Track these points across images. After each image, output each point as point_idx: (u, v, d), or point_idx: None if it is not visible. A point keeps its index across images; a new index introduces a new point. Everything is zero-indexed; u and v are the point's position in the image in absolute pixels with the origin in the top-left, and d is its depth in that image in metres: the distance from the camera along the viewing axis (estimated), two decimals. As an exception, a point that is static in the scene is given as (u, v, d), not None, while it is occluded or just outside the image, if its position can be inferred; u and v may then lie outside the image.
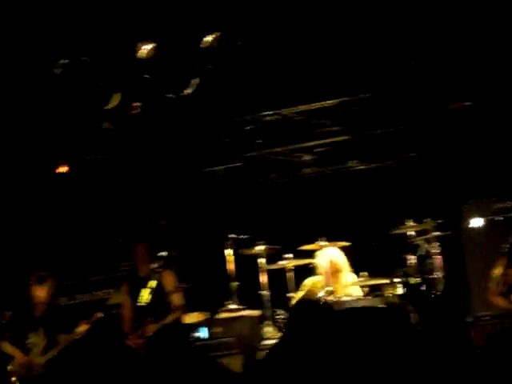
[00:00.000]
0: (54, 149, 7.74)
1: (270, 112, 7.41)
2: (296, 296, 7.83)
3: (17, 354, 7.13)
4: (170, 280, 7.62)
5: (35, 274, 7.42)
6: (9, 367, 7.09)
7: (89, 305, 8.97)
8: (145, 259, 7.68)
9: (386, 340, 1.79)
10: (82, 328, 7.10)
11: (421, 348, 1.76)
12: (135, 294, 7.57)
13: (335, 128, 8.05)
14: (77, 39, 5.65)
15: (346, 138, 8.21)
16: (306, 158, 8.51)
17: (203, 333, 5.41)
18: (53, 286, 7.44)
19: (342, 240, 8.11)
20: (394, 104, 7.61)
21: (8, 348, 7.17)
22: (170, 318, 7.39)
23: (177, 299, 7.54)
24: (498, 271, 6.88)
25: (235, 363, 7.07)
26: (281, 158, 8.53)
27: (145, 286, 7.51)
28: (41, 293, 7.34)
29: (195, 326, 7.28)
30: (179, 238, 9.45)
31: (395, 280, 7.41)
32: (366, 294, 7.52)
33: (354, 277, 7.92)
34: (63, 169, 8.18)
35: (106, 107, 5.99)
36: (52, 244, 9.26)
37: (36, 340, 7.23)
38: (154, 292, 7.67)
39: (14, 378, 6.94)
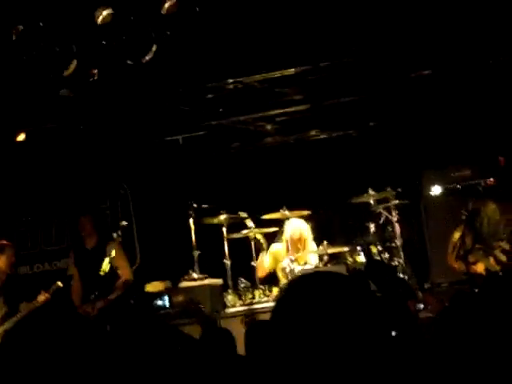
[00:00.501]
0: (12, 117, 7.61)
1: (232, 80, 7.35)
2: (258, 263, 7.88)
3: None
4: (119, 254, 7.58)
5: None
6: None
7: (48, 274, 8.92)
8: (90, 231, 7.75)
9: (347, 305, 1.78)
10: (43, 297, 7.08)
11: (380, 314, 1.76)
12: (82, 265, 7.65)
13: (297, 97, 8.02)
14: (35, 4, 5.54)
15: (308, 106, 8.19)
16: (268, 127, 8.49)
17: (164, 301, 5.40)
18: (12, 256, 7.37)
19: (303, 209, 8.15)
20: (354, 72, 7.60)
21: None
22: (114, 295, 7.45)
23: (125, 274, 7.60)
24: (456, 237, 7.00)
25: (196, 332, 7.10)
26: (243, 127, 8.49)
27: (91, 257, 7.52)
28: (1, 261, 7.27)
29: (157, 295, 7.27)
30: (141, 208, 9.40)
31: (357, 248, 7.48)
32: (326, 263, 7.59)
33: (314, 246, 7.99)
34: (21, 137, 8.06)
35: (65, 74, 5.89)
36: (11, 213, 9.16)
37: None
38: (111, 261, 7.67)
39: None
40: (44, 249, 9.57)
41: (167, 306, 6.34)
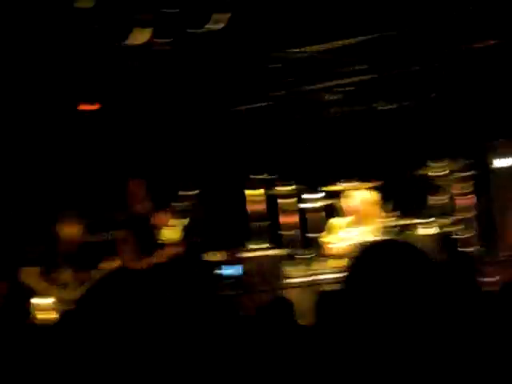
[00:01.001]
0: (79, 87, 7.69)
1: (296, 50, 7.28)
2: (324, 238, 7.84)
3: (48, 289, 7.23)
4: (163, 219, 7.53)
5: (65, 212, 7.48)
6: (46, 302, 7.19)
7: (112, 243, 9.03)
8: (141, 197, 7.51)
9: (418, 275, 1.75)
10: (110, 264, 7.18)
11: (448, 286, 1.73)
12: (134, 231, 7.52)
13: (362, 67, 7.91)
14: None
15: (372, 77, 8.08)
16: (333, 97, 8.40)
17: (234, 270, 5.44)
18: (81, 224, 7.49)
19: (368, 181, 8.07)
20: (420, 42, 7.46)
21: (38, 283, 7.26)
22: (162, 259, 7.32)
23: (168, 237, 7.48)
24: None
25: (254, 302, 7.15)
26: (307, 98, 8.42)
27: (142, 224, 7.47)
28: (70, 230, 7.40)
29: (218, 264, 7.31)
30: (204, 178, 9.45)
31: (428, 220, 7.37)
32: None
33: (379, 219, 7.91)
34: (87, 107, 8.16)
35: (132, 44, 5.91)
36: (80, 182, 9.28)
37: (66, 276, 7.31)
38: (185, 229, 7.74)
39: (53, 314, 7.02)
40: (109, 218, 9.69)
41: (236, 274, 6.38)
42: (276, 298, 4.52)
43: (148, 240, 7.31)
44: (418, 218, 7.56)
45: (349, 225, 7.86)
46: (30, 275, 7.31)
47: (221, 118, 8.98)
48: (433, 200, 7.54)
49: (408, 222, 7.59)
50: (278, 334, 3.64)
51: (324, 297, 4.13)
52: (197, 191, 8.52)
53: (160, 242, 7.25)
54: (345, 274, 1.80)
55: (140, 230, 7.45)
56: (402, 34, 7.25)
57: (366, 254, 1.82)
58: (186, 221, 7.68)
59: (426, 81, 8.22)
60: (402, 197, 8.63)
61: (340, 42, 7.14)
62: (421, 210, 8.04)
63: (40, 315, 7.01)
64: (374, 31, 7.24)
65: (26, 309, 6.99)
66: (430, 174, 7.77)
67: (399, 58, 7.80)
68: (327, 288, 6.78)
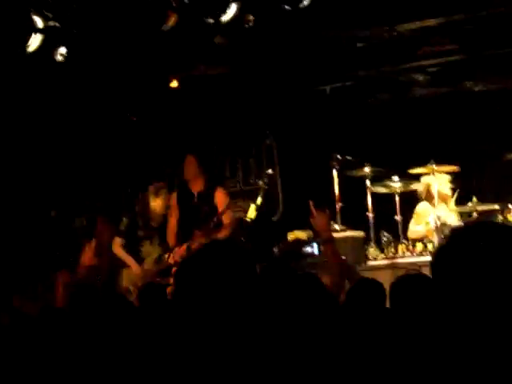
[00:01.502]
0: (166, 64, 7.75)
1: (384, 28, 7.16)
2: (412, 228, 7.74)
3: (130, 261, 7.37)
4: (222, 197, 7.44)
5: (152, 185, 7.58)
6: (124, 275, 7.33)
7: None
8: (195, 173, 7.40)
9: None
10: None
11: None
12: (185, 208, 7.43)
13: (450, 47, 7.73)
14: None
15: (461, 57, 7.88)
16: (420, 77, 8.24)
17: (314, 248, 5.40)
18: (168, 198, 7.58)
19: (452, 164, 7.92)
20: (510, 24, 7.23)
21: (122, 254, 7.40)
22: (221, 234, 7.23)
23: (228, 217, 7.38)
24: None
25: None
26: (393, 78, 8.28)
27: (197, 201, 7.40)
28: (157, 203, 7.50)
29: (305, 242, 7.28)
30: (286, 157, 9.43)
31: (508, 206, 7.20)
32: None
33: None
34: (174, 84, 8.22)
35: (222, 20, 5.91)
36: (168, 156, 9.37)
37: (150, 249, 7.43)
38: (258, 209, 7.73)
39: (131, 287, 7.16)
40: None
41: (316, 253, 6.34)
42: (364, 279, 4.45)
43: (193, 217, 7.31)
44: (499, 203, 7.39)
45: (431, 208, 7.75)
46: (117, 246, 7.45)
47: (304, 96, 8.92)
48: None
49: (488, 207, 7.44)
50: (369, 317, 3.59)
51: (401, 281, 4.05)
52: (270, 171, 8.51)
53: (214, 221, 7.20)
54: (430, 257, 1.74)
55: (188, 207, 7.41)
56: (493, 15, 7.03)
57: (457, 237, 1.75)
58: (259, 199, 7.68)
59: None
60: (485, 181, 8.43)
61: (430, 21, 6.97)
62: (504, 196, 7.85)
63: (129, 285, 7.15)
64: (466, 11, 7.05)
65: (117, 278, 7.13)
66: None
67: (490, 39, 7.58)
68: (409, 272, 6.70)
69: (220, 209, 7.31)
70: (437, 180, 7.70)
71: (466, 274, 1.66)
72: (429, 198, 7.79)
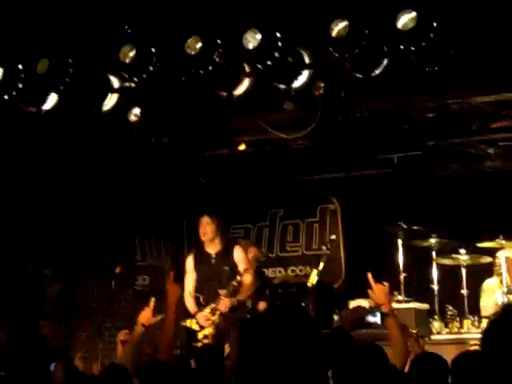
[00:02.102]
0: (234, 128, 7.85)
1: (457, 100, 7.10)
2: (483, 304, 7.55)
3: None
4: (241, 255, 7.28)
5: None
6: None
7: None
8: (213, 234, 7.26)
9: None
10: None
11: None
12: (203, 270, 7.28)
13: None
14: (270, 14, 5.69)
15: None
16: (490, 150, 8.13)
17: (376, 318, 5.29)
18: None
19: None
20: None
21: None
22: (241, 296, 7.09)
23: (249, 279, 7.21)
24: None
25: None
26: (462, 149, 8.19)
27: (215, 263, 7.25)
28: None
29: (369, 311, 7.15)
30: (350, 223, 9.37)
31: None
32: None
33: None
34: (242, 147, 8.33)
35: (294, 87, 5.97)
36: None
37: None
38: (319, 274, 7.68)
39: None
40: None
41: (378, 323, 6.21)
42: (428, 354, 4.33)
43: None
44: None
45: (497, 284, 7.55)
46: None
47: (371, 163, 8.90)
48: None
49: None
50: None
51: (461, 357, 3.92)
52: (333, 237, 8.45)
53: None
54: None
55: (206, 268, 7.26)
56: None
57: (505, 315, 1.70)
58: (321, 265, 7.61)
59: None
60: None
61: (505, 95, 6.87)
62: None
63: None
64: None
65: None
66: None
67: None
68: (472, 348, 6.49)
69: (240, 267, 7.19)
70: (508, 258, 7.52)
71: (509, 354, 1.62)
72: (499, 273, 7.60)
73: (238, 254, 7.30)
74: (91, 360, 6.63)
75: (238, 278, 7.08)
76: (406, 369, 4.22)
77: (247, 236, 9.78)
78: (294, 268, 9.54)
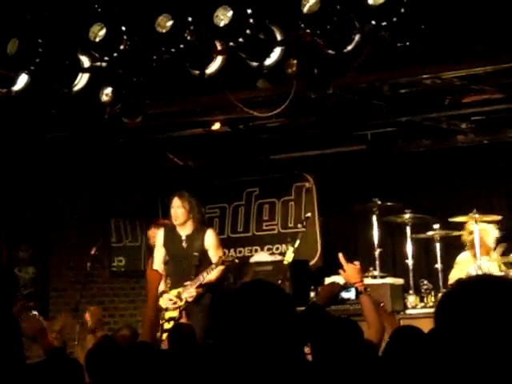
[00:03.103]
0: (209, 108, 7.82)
1: (428, 75, 7.12)
2: (453, 277, 7.62)
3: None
4: (214, 237, 7.22)
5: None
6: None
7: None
8: (185, 216, 7.10)
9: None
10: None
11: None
12: (173, 249, 7.17)
13: (495, 96, 7.65)
14: None
15: (506, 106, 7.79)
16: (462, 125, 8.18)
17: (351, 294, 5.32)
18: None
19: (494, 213, 7.81)
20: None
21: None
22: (210, 276, 6.98)
23: (217, 257, 7.10)
24: None
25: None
26: (435, 125, 8.23)
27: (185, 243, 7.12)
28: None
29: (343, 287, 7.18)
30: (325, 201, 9.41)
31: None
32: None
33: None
34: (216, 126, 8.31)
35: (266, 64, 5.94)
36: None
37: None
38: (295, 252, 7.71)
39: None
40: (231, 236, 9.84)
41: (353, 298, 6.25)
42: (406, 327, 4.37)
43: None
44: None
45: (472, 258, 7.63)
46: None
47: (345, 141, 8.92)
48: None
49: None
50: (410, 366, 3.51)
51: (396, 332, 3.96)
52: (309, 214, 8.47)
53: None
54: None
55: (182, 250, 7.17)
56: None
57: (456, 291, 1.74)
58: (297, 242, 7.64)
59: None
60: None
61: (475, 69, 6.91)
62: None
63: None
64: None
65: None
66: None
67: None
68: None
69: (211, 253, 7.08)
70: (481, 230, 7.59)
71: (463, 328, 1.64)
72: (472, 246, 7.68)
73: (210, 238, 7.17)
74: (68, 341, 6.62)
75: (205, 274, 7.02)
76: (383, 344, 4.27)
77: (223, 215, 9.80)
78: (270, 246, 9.57)
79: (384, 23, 5.42)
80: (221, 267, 7.08)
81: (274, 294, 2.24)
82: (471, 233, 7.62)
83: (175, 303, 6.97)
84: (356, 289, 4.79)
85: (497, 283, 1.72)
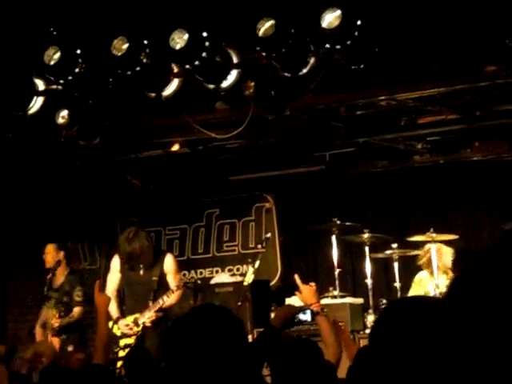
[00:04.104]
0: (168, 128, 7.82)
1: (384, 97, 7.21)
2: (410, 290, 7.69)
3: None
4: (173, 262, 7.29)
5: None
6: None
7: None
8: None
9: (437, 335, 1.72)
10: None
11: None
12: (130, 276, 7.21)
13: (451, 116, 7.78)
14: (198, 15, 5.69)
15: (461, 127, 7.92)
16: (418, 146, 8.29)
17: (307, 316, 5.32)
18: None
19: (452, 233, 7.91)
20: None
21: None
22: (168, 302, 7.01)
23: (176, 282, 7.18)
24: None
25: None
26: (392, 145, 8.33)
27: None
28: None
29: (300, 309, 7.20)
30: (286, 221, 9.43)
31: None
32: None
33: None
34: (175, 147, 8.31)
35: (223, 86, 5.98)
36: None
37: None
38: (256, 273, 7.71)
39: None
40: (191, 258, 9.80)
41: (309, 320, 6.27)
42: (364, 348, 4.39)
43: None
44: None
45: (429, 278, 7.71)
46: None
47: (304, 161, 8.97)
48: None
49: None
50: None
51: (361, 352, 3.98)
52: (269, 235, 8.51)
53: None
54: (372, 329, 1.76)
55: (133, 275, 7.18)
56: (495, 85, 7.08)
57: (389, 311, 1.79)
58: (257, 263, 7.64)
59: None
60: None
61: (430, 91, 7.02)
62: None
63: None
64: (467, 80, 7.10)
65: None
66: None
67: (490, 109, 7.63)
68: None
69: (169, 278, 7.09)
70: (439, 250, 7.69)
71: (392, 349, 1.68)
72: (429, 265, 7.75)
73: (169, 263, 7.18)
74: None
75: (165, 297, 6.98)
76: (348, 364, 4.27)
77: (184, 236, 9.76)
78: (231, 267, 9.56)
79: (338, 46, 5.51)
80: (180, 291, 7.06)
81: (223, 318, 2.25)
82: (428, 251, 7.70)
83: (131, 329, 6.92)
84: (311, 310, 4.81)
85: (425, 304, 1.76)
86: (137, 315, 6.98)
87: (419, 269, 8.00)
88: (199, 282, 7.63)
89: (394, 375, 1.66)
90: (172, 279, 7.10)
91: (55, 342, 7.26)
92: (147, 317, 6.90)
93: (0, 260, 8.90)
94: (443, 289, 7.38)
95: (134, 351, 5.68)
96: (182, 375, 2.13)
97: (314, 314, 4.64)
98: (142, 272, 7.16)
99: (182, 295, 7.22)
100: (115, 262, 7.33)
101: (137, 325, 6.94)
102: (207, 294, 8.46)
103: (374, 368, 1.71)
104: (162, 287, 7.07)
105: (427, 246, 7.71)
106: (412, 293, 7.76)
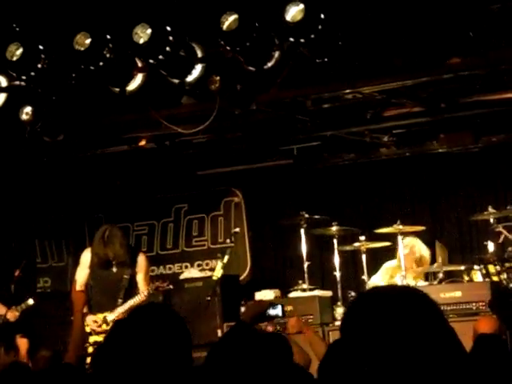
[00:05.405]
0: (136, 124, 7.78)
1: (350, 90, 7.24)
2: (374, 281, 7.75)
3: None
4: (145, 262, 7.26)
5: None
6: None
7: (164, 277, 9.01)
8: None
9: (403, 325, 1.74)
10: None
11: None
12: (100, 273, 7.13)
13: (416, 109, 7.83)
14: (161, 7, 5.66)
15: (426, 119, 7.99)
16: (384, 138, 8.35)
17: (278, 310, 5.34)
18: None
19: (418, 224, 7.97)
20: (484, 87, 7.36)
21: None
22: (136, 301, 6.97)
23: (146, 281, 7.15)
24: None
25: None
26: (358, 139, 8.38)
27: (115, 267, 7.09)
28: None
29: (270, 304, 7.22)
30: (254, 216, 9.44)
31: (474, 267, 7.23)
32: (441, 281, 7.37)
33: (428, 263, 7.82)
34: (143, 143, 8.27)
35: (188, 80, 5.96)
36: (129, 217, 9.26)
37: None
38: (225, 267, 7.71)
39: None
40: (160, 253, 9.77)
41: (280, 315, 6.28)
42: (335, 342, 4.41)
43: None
44: (465, 264, 7.46)
45: (397, 268, 7.77)
46: None
47: (271, 155, 8.99)
48: (484, 246, 7.37)
49: (454, 268, 7.49)
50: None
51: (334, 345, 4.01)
52: (237, 229, 8.51)
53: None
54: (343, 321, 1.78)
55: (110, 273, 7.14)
56: (461, 77, 7.14)
57: (358, 303, 1.80)
58: (226, 258, 7.65)
59: (484, 124, 8.11)
60: (451, 242, 8.48)
61: (395, 84, 7.06)
62: (470, 256, 7.91)
63: None
64: (431, 73, 7.15)
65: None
66: (482, 219, 7.63)
67: (455, 101, 7.70)
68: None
69: (139, 278, 7.08)
70: (406, 240, 7.75)
71: (360, 341, 1.70)
72: (399, 257, 7.81)
73: (141, 262, 7.17)
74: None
75: (137, 298, 6.98)
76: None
77: (152, 232, 9.73)
78: (200, 262, 9.55)
79: (302, 40, 5.52)
80: (145, 296, 7.04)
81: (164, 316, 2.27)
82: (413, 246, 7.79)
83: (100, 326, 6.87)
84: (282, 305, 4.85)
85: (393, 294, 1.77)
86: (106, 313, 6.94)
87: (386, 260, 8.06)
88: (171, 286, 7.52)
89: (367, 366, 1.68)
90: (142, 279, 7.09)
91: None
92: (116, 315, 6.87)
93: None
94: (410, 281, 7.47)
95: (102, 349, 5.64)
96: (121, 376, 2.15)
97: (284, 309, 4.69)
98: (114, 269, 7.11)
99: (152, 294, 7.19)
100: (86, 257, 7.24)
101: (106, 323, 6.90)
102: (176, 289, 8.44)
103: (346, 360, 1.72)
104: (133, 285, 7.05)
105: (410, 240, 7.77)
106: (376, 277, 7.83)
